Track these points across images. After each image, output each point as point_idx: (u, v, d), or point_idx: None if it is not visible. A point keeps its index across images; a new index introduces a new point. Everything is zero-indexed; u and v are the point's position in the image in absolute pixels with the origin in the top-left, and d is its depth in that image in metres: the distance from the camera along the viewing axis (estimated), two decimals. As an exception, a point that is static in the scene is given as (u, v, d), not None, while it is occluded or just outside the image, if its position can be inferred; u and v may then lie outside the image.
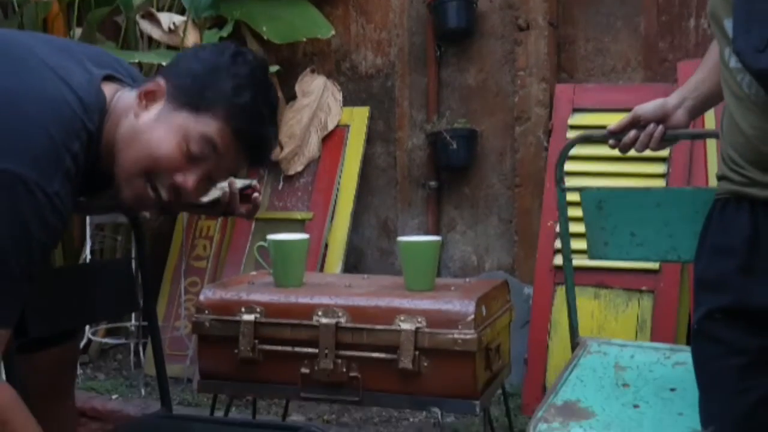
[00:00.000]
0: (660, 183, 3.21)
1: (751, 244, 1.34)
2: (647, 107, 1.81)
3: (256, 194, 1.88)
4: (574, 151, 3.29)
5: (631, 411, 1.74)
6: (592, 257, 2.08)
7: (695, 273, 1.47)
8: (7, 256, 1.38)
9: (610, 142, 1.87)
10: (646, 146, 1.80)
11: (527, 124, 3.70)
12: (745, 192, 1.36)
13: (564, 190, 2.09)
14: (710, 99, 1.76)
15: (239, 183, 1.85)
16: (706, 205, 1.87)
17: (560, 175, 2.10)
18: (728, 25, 1.31)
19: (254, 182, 1.88)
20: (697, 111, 1.79)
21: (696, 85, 1.77)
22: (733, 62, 1.34)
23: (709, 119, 3.07)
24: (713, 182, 3.04)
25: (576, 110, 3.47)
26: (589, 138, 2.08)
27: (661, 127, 1.78)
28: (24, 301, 1.47)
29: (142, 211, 1.90)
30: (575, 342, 2.13)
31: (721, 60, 1.40)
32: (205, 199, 1.77)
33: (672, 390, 1.82)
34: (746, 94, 1.33)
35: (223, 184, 1.79)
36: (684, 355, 1.97)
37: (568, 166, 3.30)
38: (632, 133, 1.81)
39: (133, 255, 2.10)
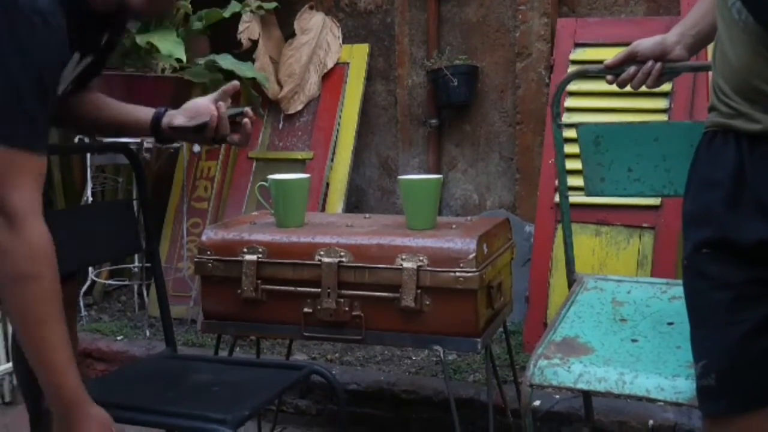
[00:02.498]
0: (662, 118, 3.18)
1: (736, 177, 1.34)
2: (646, 43, 1.79)
3: (246, 120, 1.87)
4: (574, 87, 3.31)
5: (630, 345, 1.75)
6: (588, 194, 2.07)
7: (684, 207, 1.47)
8: (17, 82, 1.43)
9: (608, 77, 1.85)
10: (643, 83, 1.79)
11: (528, 60, 3.66)
12: (731, 124, 1.35)
13: (560, 126, 2.07)
14: (711, 34, 1.71)
15: (230, 111, 1.86)
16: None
17: (556, 111, 2.08)
18: None
19: (246, 109, 1.88)
20: (696, 47, 1.77)
21: (696, 21, 1.75)
22: None
23: (710, 52, 3.03)
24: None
25: (578, 45, 3.43)
26: (585, 73, 2.05)
27: (659, 64, 1.76)
28: (46, 127, 1.52)
29: (158, 10, 1.96)
30: (572, 278, 2.13)
31: None
32: (193, 123, 1.82)
33: (669, 324, 1.83)
34: (735, 20, 1.31)
35: (212, 108, 1.83)
36: (680, 290, 1.97)
37: (569, 103, 3.32)
38: (631, 68, 1.80)
39: (135, 196, 2.10)
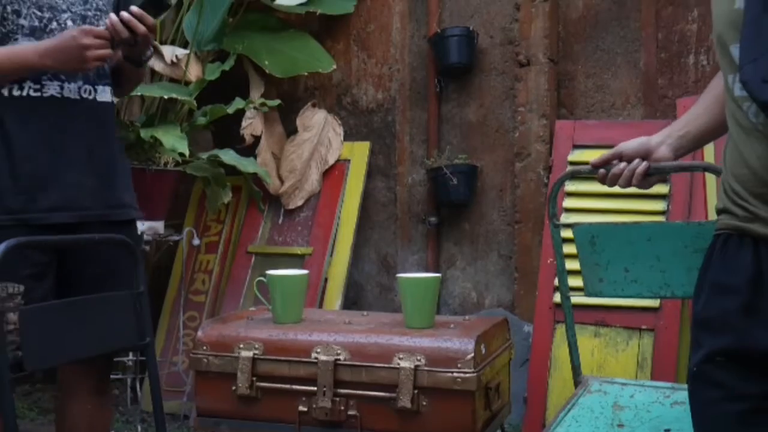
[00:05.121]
0: (660, 220, 3.20)
1: (754, 284, 1.29)
2: (630, 143, 1.79)
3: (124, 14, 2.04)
4: (572, 188, 3.34)
5: None
6: (588, 294, 2.06)
7: (694, 311, 1.42)
8: None
9: (599, 174, 1.83)
10: (629, 181, 1.77)
11: (527, 160, 3.70)
12: (747, 228, 1.31)
13: (558, 226, 2.08)
14: (702, 137, 1.73)
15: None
16: (697, 239, 1.87)
17: (553, 210, 2.09)
18: (735, 51, 1.28)
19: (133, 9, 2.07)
20: (684, 149, 1.75)
21: (685, 123, 1.74)
22: (738, 90, 1.29)
23: (709, 153, 3.07)
24: (712, 217, 3.05)
25: (576, 146, 3.47)
26: (576, 173, 2.07)
27: (645, 162, 1.75)
28: None
29: None
30: (577, 380, 2.11)
31: (725, 88, 1.36)
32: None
33: (666, 431, 1.80)
34: (753, 124, 1.28)
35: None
36: (684, 394, 1.93)
37: (567, 203, 3.34)
38: (619, 165, 1.79)
39: (132, 289, 2.09)
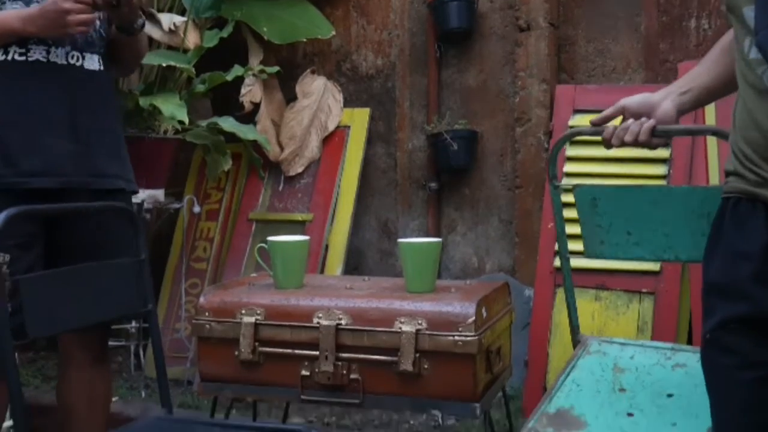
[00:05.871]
0: (662, 183, 3.20)
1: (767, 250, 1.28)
2: (632, 99, 1.74)
3: None
4: (573, 153, 3.33)
5: (624, 420, 1.71)
6: (588, 256, 2.04)
7: (706, 276, 1.40)
8: None
9: (604, 137, 1.78)
10: (635, 137, 1.71)
11: (528, 125, 3.70)
12: (759, 193, 1.30)
13: (557, 188, 2.05)
14: (705, 95, 1.69)
15: None
16: (704, 204, 1.85)
17: (553, 172, 2.06)
18: (748, 14, 1.26)
19: None
20: (686, 106, 1.71)
21: (688, 81, 1.70)
22: (753, 53, 1.28)
23: (710, 115, 3.06)
24: (714, 181, 3.04)
25: (577, 111, 3.46)
26: (579, 133, 2.04)
27: (651, 120, 1.70)
28: None
29: None
30: (576, 340, 2.10)
31: (738, 51, 1.34)
32: None
33: (669, 396, 1.80)
34: (767, 87, 1.26)
35: None
36: (685, 356, 1.95)
37: (568, 168, 3.33)
38: (628, 121, 1.73)
39: (133, 257, 2.10)
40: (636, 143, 1.73)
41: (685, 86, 1.70)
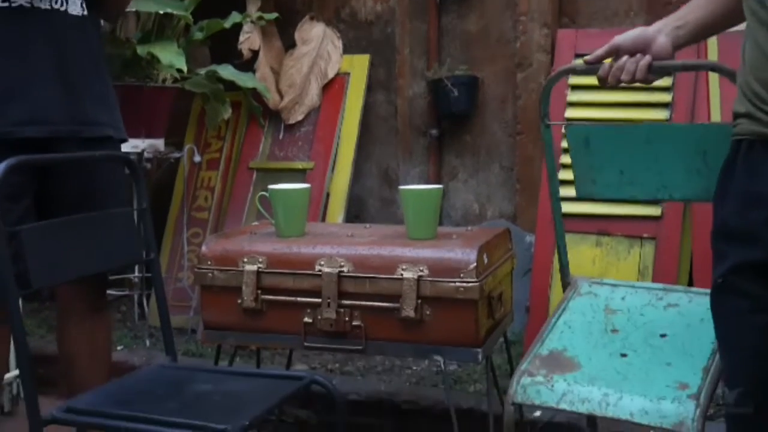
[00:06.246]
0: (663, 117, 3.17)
1: None
2: (626, 36, 1.67)
3: None
4: (574, 98, 3.31)
5: (618, 361, 1.71)
6: (579, 195, 2.02)
7: (717, 218, 1.38)
8: None
9: (599, 73, 1.72)
10: (632, 75, 1.65)
11: (529, 71, 3.66)
12: None
13: (549, 126, 2.02)
14: (701, 28, 1.62)
15: None
16: (697, 142, 1.81)
17: (545, 110, 2.00)
18: None
19: None
20: (681, 39, 1.64)
21: (683, 14, 1.64)
22: None
23: (712, 51, 3.03)
24: (716, 118, 3.02)
25: (578, 56, 3.42)
26: (572, 70, 2.01)
27: (648, 56, 1.64)
28: None
29: None
30: (566, 282, 2.10)
31: None
32: None
33: (662, 336, 1.79)
34: None
35: None
36: (676, 296, 1.94)
37: (570, 113, 3.31)
38: (623, 58, 1.67)
39: (134, 206, 2.10)
40: (633, 81, 1.68)
41: (681, 20, 1.64)
